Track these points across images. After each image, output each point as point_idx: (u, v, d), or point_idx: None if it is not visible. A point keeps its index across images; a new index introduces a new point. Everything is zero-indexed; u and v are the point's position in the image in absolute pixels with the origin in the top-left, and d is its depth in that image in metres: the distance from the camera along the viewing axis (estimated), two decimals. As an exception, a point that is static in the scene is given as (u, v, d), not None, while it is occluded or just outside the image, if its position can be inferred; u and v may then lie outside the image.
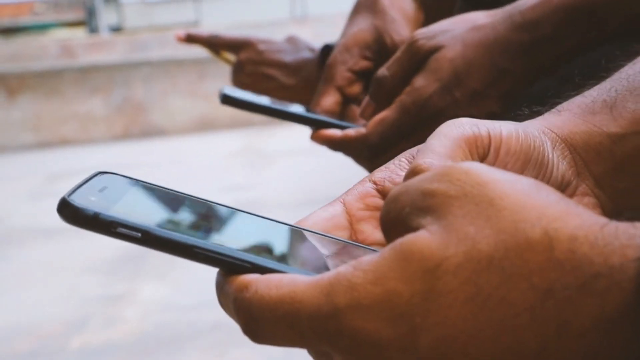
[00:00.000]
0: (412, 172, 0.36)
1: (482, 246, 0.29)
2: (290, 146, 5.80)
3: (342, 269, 0.31)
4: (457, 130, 0.38)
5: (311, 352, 0.34)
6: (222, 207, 0.38)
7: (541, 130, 0.41)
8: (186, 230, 0.35)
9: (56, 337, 2.74)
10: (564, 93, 0.45)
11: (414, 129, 0.69)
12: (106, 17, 10.61)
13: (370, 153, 0.72)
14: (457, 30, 0.67)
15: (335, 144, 0.74)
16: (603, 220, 0.30)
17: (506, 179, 0.31)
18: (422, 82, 0.68)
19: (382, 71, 0.71)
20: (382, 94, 0.71)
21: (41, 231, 4.07)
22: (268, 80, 1.05)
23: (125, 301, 3.02)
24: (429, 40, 0.68)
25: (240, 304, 0.32)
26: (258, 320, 0.32)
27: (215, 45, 1.13)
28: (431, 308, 0.29)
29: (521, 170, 0.39)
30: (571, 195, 0.41)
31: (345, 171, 4.92)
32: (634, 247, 0.28)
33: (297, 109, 0.77)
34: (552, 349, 0.28)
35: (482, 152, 0.38)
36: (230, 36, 1.12)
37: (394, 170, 0.41)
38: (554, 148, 0.40)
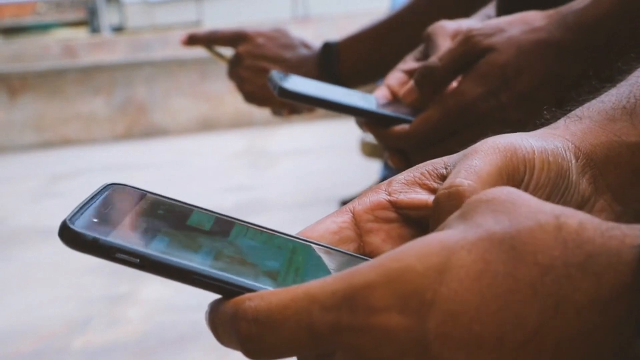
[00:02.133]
0: (452, 191, 0.37)
1: (497, 229, 0.31)
2: (293, 146, 5.80)
3: (360, 265, 0.32)
4: (500, 156, 0.39)
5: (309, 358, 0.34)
6: (228, 219, 0.38)
7: (567, 147, 0.41)
8: (186, 252, 0.35)
9: (59, 337, 2.74)
10: (580, 96, 0.46)
11: (456, 130, 0.69)
12: (108, 17, 10.61)
13: (413, 149, 0.72)
14: (513, 31, 0.67)
15: (380, 139, 0.74)
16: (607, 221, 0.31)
17: (529, 196, 0.34)
18: (468, 86, 0.67)
19: (434, 60, 0.69)
20: (429, 83, 0.70)
21: (44, 231, 4.07)
22: (267, 74, 1.04)
23: (128, 301, 3.02)
24: (485, 37, 0.67)
25: (243, 313, 0.32)
26: (264, 324, 0.32)
27: (214, 41, 1.13)
28: (443, 281, 0.30)
29: (547, 198, 0.40)
30: (588, 212, 0.41)
31: (349, 172, 4.92)
32: (633, 236, 0.30)
33: (355, 100, 0.75)
34: (551, 325, 0.29)
35: (516, 185, 0.39)
36: (227, 30, 1.12)
37: (412, 185, 0.41)
38: (576, 165, 0.41)
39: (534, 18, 0.67)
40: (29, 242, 3.96)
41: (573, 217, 0.31)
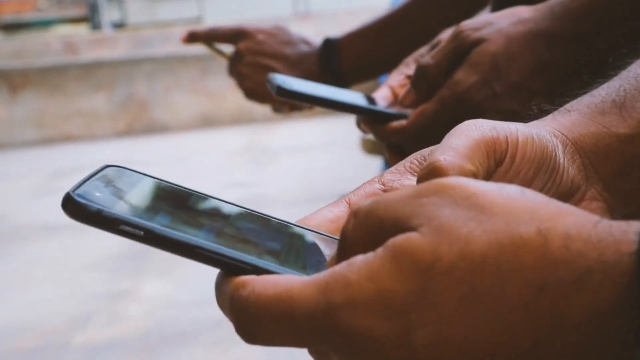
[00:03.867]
0: (430, 168, 0.36)
1: (475, 246, 0.30)
2: (293, 143, 5.80)
3: (337, 268, 0.31)
4: (477, 131, 0.38)
5: (309, 350, 0.34)
6: (227, 204, 0.38)
7: (553, 134, 0.41)
8: (189, 228, 0.34)
9: (60, 334, 2.74)
10: (571, 91, 0.45)
11: (453, 121, 0.69)
12: (109, 13, 10.62)
13: (411, 144, 0.72)
14: (501, 23, 0.67)
15: (378, 135, 0.74)
16: (596, 218, 0.30)
17: (492, 189, 0.31)
18: (461, 76, 0.68)
19: (426, 59, 0.70)
20: (424, 83, 0.70)
21: (45, 228, 4.08)
22: (268, 71, 1.04)
23: (129, 298, 3.02)
24: (474, 31, 0.68)
25: (237, 302, 0.33)
26: (254, 318, 0.32)
27: (214, 38, 1.13)
28: (426, 306, 0.30)
29: (533, 177, 0.39)
30: (580, 200, 0.41)
31: (349, 168, 4.91)
32: (628, 242, 0.28)
33: (353, 99, 0.76)
34: (546, 343, 0.29)
35: (499, 157, 0.38)
36: (227, 27, 1.12)
37: (403, 173, 0.41)
38: (564, 152, 0.40)
39: (522, 11, 0.68)
40: (30, 239, 3.96)
41: (556, 227, 0.29)
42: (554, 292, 0.28)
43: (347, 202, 0.41)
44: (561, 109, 0.43)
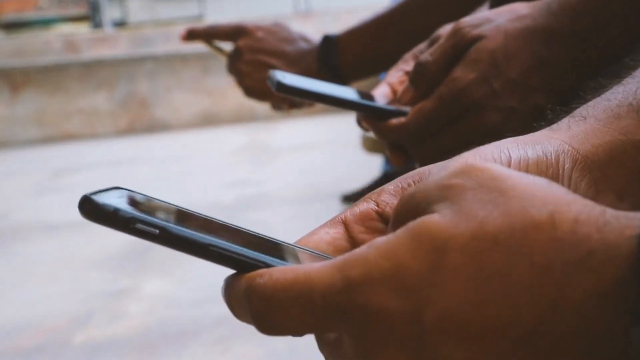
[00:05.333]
0: (405, 194, 0.37)
1: (489, 227, 0.31)
2: (295, 141, 5.80)
3: (357, 250, 0.33)
4: None
5: (319, 339, 0.35)
6: (231, 226, 0.39)
7: (562, 150, 0.41)
8: (203, 232, 0.36)
9: (60, 332, 2.74)
10: (586, 93, 0.45)
11: (452, 118, 0.69)
12: (110, 12, 10.62)
13: (410, 141, 0.72)
14: (500, 20, 0.68)
15: (378, 132, 0.74)
16: (606, 208, 0.31)
17: (519, 175, 0.33)
18: (460, 73, 0.68)
19: (425, 57, 0.70)
20: (423, 80, 0.70)
21: (46, 226, 4.08)
22: (267, 68, 1.04)
23: (130, 296, 3.02)
24: (473, 28, 0.68)
25: (254, 290, 0.33)
26: (272, 304, 0.33)
27: (214, 35, 1.13)
28: (437, 282, 0.30)
29: None
30: None
31: (350, 167, 4.91)
32: (632, 227, 0.29)
33: (352, 95, 0.76)
34: (548, 323, 0.29)
35: None
36: (227, 25, 1.12)
37: (399, 194, 0.41)
38: (573, 169, 0.41)
39: (520, 7, 0.68)
40: (31, 237, 3.96)
41: (568, 212, 0.30)
42: (557, 273, 0.29)
43: (342, 222, 0.41)
44: (575, 113, 0.43)
